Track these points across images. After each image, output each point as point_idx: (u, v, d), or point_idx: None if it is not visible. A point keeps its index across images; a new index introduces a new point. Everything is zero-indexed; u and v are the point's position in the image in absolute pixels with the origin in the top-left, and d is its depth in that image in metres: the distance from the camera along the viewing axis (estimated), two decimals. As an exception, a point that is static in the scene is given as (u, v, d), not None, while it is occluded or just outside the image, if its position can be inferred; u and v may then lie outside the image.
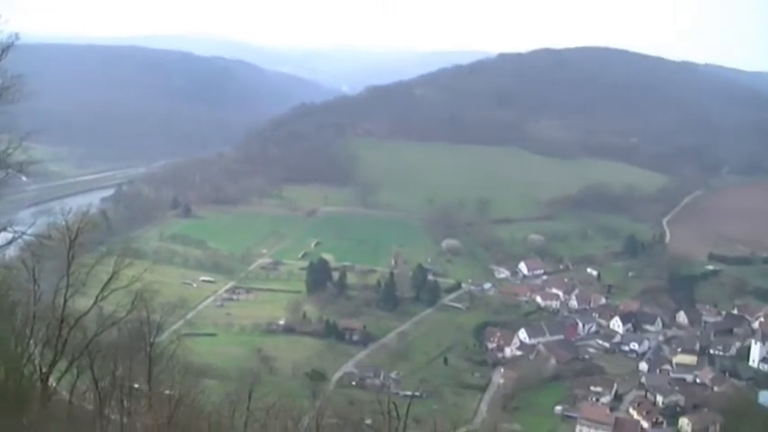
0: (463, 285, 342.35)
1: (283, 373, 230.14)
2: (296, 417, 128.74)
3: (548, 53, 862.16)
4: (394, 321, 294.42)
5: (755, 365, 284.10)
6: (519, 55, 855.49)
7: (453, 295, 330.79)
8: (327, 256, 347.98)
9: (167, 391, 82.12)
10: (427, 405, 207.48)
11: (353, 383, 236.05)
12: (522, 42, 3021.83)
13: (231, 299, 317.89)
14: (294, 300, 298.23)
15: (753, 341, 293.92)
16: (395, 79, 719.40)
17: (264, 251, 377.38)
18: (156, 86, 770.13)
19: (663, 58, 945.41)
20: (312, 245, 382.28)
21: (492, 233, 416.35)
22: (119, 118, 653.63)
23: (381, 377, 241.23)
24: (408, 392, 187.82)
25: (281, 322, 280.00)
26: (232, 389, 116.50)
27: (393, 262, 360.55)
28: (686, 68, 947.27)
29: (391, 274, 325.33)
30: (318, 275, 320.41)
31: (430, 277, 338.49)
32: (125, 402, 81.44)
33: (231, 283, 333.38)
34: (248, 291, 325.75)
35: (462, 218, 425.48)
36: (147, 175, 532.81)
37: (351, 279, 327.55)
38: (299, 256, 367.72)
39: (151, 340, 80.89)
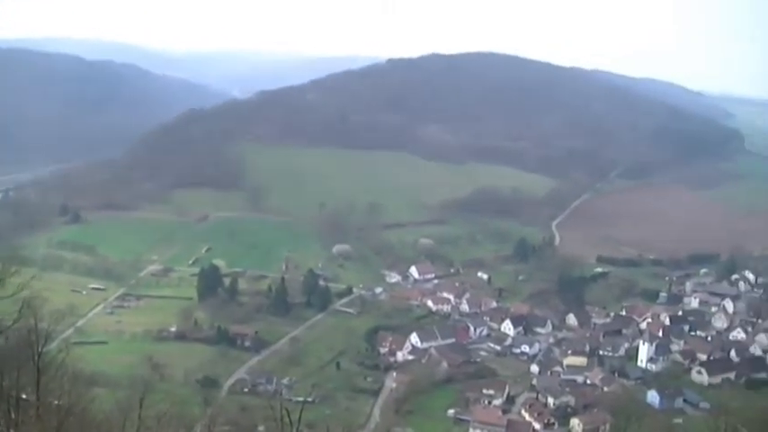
0: (354, 290, 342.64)
1: (175, 381, 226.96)
2: (188, 424, 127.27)
3: (437, 58, 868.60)
4: (286, 327, 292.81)
5: (643, 365, 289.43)
6: (409, 60, 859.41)
7: (345, 300, 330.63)
8: (218, 262, 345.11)
9: (56, 401, 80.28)
10: (320, 410, 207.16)
11: (246, 390, 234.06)
12: (411, 47, 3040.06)
13: (122, 306, 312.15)
14: (185, 306, 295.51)
15: (641, 341, 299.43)
16: (285, 84, 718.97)
17: (155, 257, 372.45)
18: (45, 91, 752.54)
19: (551, 64, 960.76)
20: (203, 251, 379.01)
21: (383, 238, 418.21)
22: (4, 122, 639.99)
23: (274, 383, 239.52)
24: (301, 398, 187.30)
25: (173, 329, 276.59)
26: (123, 397, 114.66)
27: (284, 267, 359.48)
28: (575, 74, 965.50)
29: (282, 279, 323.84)
30: (209, 281, 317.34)
31: (321, 282, 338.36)
32: (12, 413, 79.28)
33: (121, 290, 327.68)
34: (139, 298, 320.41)
35: (353, 223, 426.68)
36: (34, 180, 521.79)
37: (242, 285, 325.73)
38: (190, 262, 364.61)
39: (39, 349, 78.81)
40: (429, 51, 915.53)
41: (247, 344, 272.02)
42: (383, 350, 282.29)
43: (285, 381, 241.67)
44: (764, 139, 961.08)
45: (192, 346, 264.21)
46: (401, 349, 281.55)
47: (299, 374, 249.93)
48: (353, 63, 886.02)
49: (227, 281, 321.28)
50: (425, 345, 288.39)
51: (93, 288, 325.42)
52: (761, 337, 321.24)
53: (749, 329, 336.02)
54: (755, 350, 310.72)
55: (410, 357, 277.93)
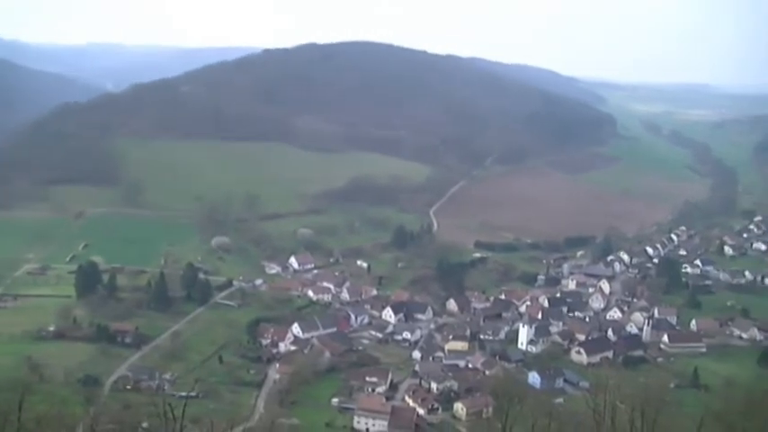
0: (235, 282, 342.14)
1: (55, 381, 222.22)
2: (70, 425, 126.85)
3: (313, 48, 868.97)
4: (167, 322, 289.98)
5: (524, 348, 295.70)
6: (284, 50, 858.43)
7: (225, 293, 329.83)
8: (97, 259, 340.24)
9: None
10: (204, 405, 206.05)
11: (128, 387, 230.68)
12: (287, 37, 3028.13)
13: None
14: (64, 305, 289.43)
15: (520, 325, 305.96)
16: (160, 76, 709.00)
17: (31, 256, 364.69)
18: None
19: (427, 52, 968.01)
20: (80, 247, 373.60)
21: (261, 229, 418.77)
22: None
23: (156, 379, 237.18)
24: (184, 393, 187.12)
25: (51, 328, 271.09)
26: (1, 400, 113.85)
27: (163, 262, 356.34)
28: (450, 62, 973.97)
29: (162, 274, 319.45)
30: (88, 279, 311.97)
31: (201, 276, 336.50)
32: None
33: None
34: (15, 298, 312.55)
35: (232, 215, 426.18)
36: None
37: (121, 281, 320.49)
38: (68, 259, 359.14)
39: None
40: (304, 41, 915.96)
41: (128, 340, 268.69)
42: (265, 342, 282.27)
43: (168, 376, 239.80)
44: (636, 123, 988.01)
45: (72, 344, 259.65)
46: (283, 340, 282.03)
47: (181, 369, 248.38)
48: (228, 54, 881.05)
49: (105, 277, 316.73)
50: (307, 335, 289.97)
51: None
52: (636, 316, 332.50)
53: (625, 309, 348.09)
54: (631, 329, 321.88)
55: (292, 348, 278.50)
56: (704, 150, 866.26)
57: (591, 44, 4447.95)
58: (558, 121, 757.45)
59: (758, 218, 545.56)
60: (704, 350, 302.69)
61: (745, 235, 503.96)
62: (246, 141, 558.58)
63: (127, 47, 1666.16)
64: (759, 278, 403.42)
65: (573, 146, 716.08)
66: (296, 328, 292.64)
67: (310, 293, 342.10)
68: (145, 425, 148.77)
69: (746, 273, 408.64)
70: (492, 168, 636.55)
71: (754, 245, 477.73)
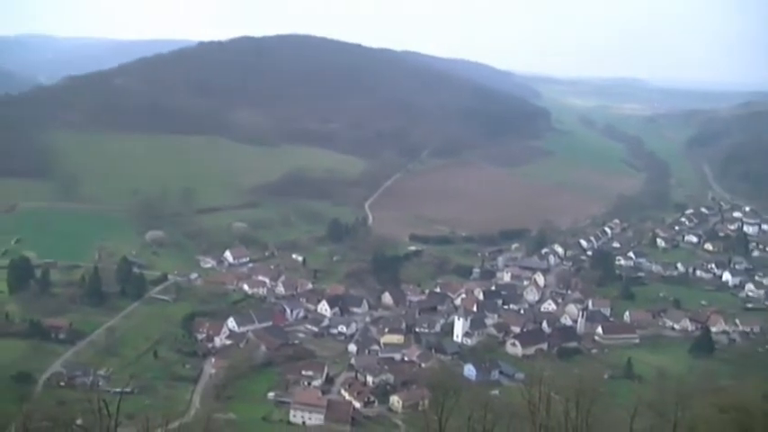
0: (170, 277, 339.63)
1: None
2: (3, 422, 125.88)
3: (248, 41, 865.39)
4: (101, 317, 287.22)
5: (459, 340, 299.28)
6: (219, 43, 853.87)
7: (160, 287, 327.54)
8: (29, 254, 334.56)
9: None
10: (139, 400, 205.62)
11: (62, 383, 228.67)
12: (222, 30, 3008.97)
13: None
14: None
15: (455, 317, 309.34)
16: (94, 69, 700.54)
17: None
18: None
19: (362, 46, 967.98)
20: (12, 242, 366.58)
21: (197, 223, 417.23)
22: None
23: (91, 375, 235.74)
24: (119, 389, 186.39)
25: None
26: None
27: (97, 256, 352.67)
28: (385, 55, 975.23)
29: (96, 268, 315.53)
30: (20, 274, 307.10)
31: (135, 270, 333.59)
32: None
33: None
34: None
35: (166, 208, 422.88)
36: None
37: (54, 276, 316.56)
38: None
39: None
40: (239, 34, 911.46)
41: (62, 336, 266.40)
42: (201, 336, 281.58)
43: (102, 372, 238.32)
44: (570, 117, 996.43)
45: (4, 341, 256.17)
46: (219, 334, 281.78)
47: (116, 365, 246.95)
48: (163, 47, 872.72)
49: (38, 272, 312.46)
50: (243, 329, 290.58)
51: None
52: (570, 307, 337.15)
53: (559, 301, 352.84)
54: (566, 320, 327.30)
55: (228, 342, 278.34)
56: (637, 144, 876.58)
57: (527, 39, 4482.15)
58: (493, 114, 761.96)
59: (690, 211, 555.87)
60: (637, 341, 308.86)
61: (677, 228, 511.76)
62: (182, 134, 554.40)
63: (58, 39, 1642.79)
64: (691, 270, 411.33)
65: (508, 139, 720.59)
66: (231, 323, 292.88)
67: (246, 287, 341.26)
68: (79, 422, 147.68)
69: (678, 265, 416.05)
70: (427, 162, 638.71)
71: (686, 237, 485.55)
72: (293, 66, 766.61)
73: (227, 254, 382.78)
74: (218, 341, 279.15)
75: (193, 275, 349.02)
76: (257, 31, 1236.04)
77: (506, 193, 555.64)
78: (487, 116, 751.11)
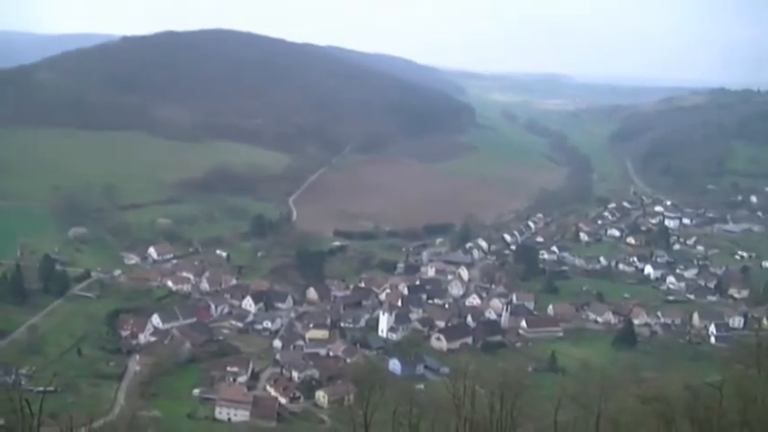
0: (93, 274, 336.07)
1: None
2: None
3: (171, 36, 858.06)
4: (23, 315, 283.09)
5: (384, 335, 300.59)
6: (143, 38, 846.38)
7: (83, 284, 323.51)
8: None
9: None
10: (63, 399, 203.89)
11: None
12: (146, 25, 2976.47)
13: None
14: None
15: (380, 312, 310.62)
16: (15, 63, 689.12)
17: None
18: None
19: (285, 41, 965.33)
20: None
21: (120, 219, 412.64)
22: None
23: (13, 374, 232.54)
24: (42, 388, 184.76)
25: None
26: None
27: (19, 253, 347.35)
28: (308, 50, 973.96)
29: (17, 266, 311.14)
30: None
31: (58, 267, 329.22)
32: None
33: None
34: None
35: (89, 205, 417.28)
36: None
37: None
38: None
39: None
40: (163, 29, 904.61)
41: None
42: (125, 333, 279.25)
43: (24, 371, 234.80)
44: (494, 112, 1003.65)
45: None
46: (143, 331, 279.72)
47: (38, 363, 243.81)
48: (86, 41, 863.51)
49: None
50: (167, 325, 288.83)
51: None
52: (494, 302, 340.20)
53: (484, 295, 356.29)
54: (490, 314, 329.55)
55: (152, 339, 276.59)
56: (560, 139, 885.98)
57: (450, 34, 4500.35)
58: (416, 110, 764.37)
59: (612, 205, 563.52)
60: (561, 334, 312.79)
61: (599, 222, 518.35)
62: (106, 130, 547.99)
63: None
64: (613, 263, 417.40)
65: (431, 135, 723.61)
66: (156, 319, 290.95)
67: (170, 284, 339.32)
68: (1, 422, 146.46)
69: (601, 258, 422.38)
70: (351, 157, 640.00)
71: (609, 231, 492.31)
72: (217, 61, 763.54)
73: (151, 250, 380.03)
74: (142, 338, 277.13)
75: (117, 272, 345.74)
76: (181, 26, 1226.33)
77: (430, 188, 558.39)
78: (411, 111, 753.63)
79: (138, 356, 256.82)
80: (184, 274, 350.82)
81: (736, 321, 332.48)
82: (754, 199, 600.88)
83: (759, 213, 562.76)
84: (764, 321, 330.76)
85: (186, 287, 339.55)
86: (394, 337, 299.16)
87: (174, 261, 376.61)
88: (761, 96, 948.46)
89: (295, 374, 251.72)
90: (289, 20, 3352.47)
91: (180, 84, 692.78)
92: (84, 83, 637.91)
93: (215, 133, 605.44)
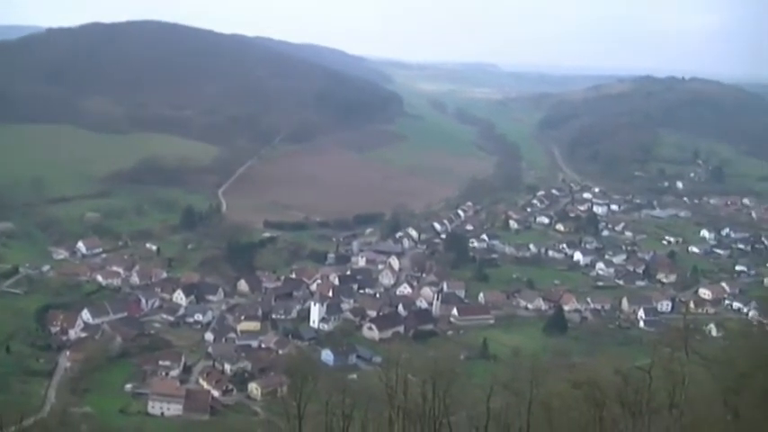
0: (21, 269, 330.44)
1: None
2: None
3: (98, 27, 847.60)
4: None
5: (316, 326, 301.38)
6: (69, 29, 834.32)
7: (11, 280, 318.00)
8: None
9: None
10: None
11: None
12: (71, 16, 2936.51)
13: None
14: None
15: (312, 303, 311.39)
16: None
17: None
18: None
19: (214, 32, 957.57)
20: None
21: (48, 213, 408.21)
22: None
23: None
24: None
25: None
26: None
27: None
28: (237, 41, 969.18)
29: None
30: None
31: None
32: None
33: None
34: None
35: (16, 199, 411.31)
36: None
37: None
38: None
39: None
40: (89, 20, 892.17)
41: None
42: (54, 329, 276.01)
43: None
44: (423, 102, 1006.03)
45: None
46: (73, 327, 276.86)
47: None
48: (9, 33, 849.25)
49: None
50: (98, 320, 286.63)
51: None
52: (425, 290, 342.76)
53: (414, 284, 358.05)
54: (421, 303, 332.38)
55: (83, 335, 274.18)
56: (489, 127, 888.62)
57: (378, 23, 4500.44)
58: (345, 100, 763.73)
59: (541, 192, 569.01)
60: (492, 322, 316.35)
61: (528, 209, 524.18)
62: (32, 123, 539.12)
63: None
64: (543, 251, 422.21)
65: (361, 125, 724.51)
66: (86, 314, 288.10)
67: (99, 278, 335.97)
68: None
69: (531, 246, 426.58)
70: (281, 148, 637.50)
71: (538, 219, 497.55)
72: (145, 52, 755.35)
73: (80, 244, 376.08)
74: (72, 334, 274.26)
75: (45, 267, 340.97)
76: (108, 18, 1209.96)
77: (360, 178, 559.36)
78: (340, 102, 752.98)
79: (68, 352, 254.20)
80: (114, 268, 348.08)
81: (664, 305, 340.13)
82: (680, 185, 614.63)
83: (685, 199, 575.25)
84: (691, 305, 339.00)
85: (116, 281, 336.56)
86: (326, 327, 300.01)
87: (104, 255, 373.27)
88: (686, 84, 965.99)
89: (227, 367, 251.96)
90: (217, 11, 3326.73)
91: (108, 76, 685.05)
92: (9, 75, 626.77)
93: (144, 125, 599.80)
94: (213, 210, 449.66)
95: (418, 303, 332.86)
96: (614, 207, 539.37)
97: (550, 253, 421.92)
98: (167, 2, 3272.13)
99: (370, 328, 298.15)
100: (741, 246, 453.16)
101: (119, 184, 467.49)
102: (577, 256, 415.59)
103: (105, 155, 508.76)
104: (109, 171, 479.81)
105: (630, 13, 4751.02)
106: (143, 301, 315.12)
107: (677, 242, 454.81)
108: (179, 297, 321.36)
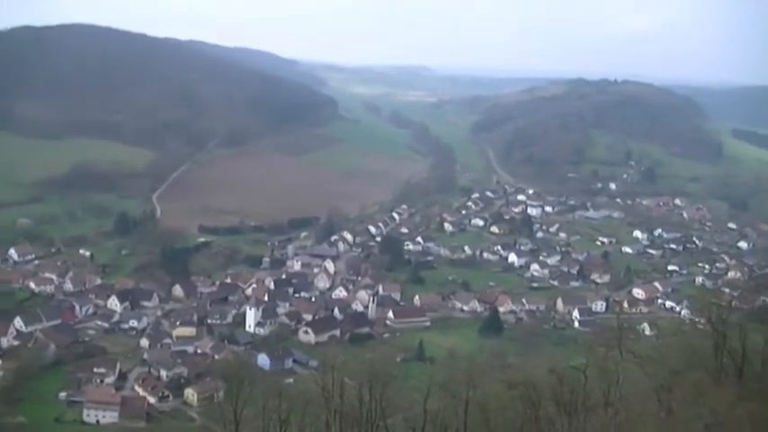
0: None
1: None
2: None
3: (28, 31, 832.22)
4: None
5: (252, 330, 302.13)
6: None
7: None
8: None
9: None
10: None
11: None
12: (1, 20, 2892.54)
13: None
14: None
15: (247, 307, 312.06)
16: None
17: None
18: None
19: (147, 35, 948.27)
20: None
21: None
22: None
23: None
24: None
25: None
26: None
27: None
28: (169, 45, 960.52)
29: None
30: None
31: None
32: None
33: None
34: None
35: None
36: None
37: None
38: None
39: None
40: (18, 23, 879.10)
41: None
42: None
43: None
44: (357, 105, 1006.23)
45: None
46: (5, 335, 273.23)
47: None
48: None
49: None
50: (30, 328, 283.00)
51: None
52: (361, 293, 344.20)
53: (350, 287, 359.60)
54: (357, 306, 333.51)
55: (15, 343, 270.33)
56: (423, 130, 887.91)
57: (311, 27, 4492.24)
58: (279, 104, 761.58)
59: (475, 195, 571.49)
60: (428, 324, 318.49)
61: (463, 212, 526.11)
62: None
63: None
64: (478, 252, 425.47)
65: (295, 128, 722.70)
66: (18, 322, 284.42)
67: (32, 285, 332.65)
68: None
69: (466, 248, 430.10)
70: (215, 152, 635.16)
71: (473, 221, 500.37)
72: (77, 56, 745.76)
73: (12, 251, 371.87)
74: (4, 342, 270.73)
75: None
76: (38, 21, 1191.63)
77: (295, 182, 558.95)
78: (274, 105, 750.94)
79: (0, 361, 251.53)
80: (47, 274, 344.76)
81: (599, 305, 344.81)
82: (612, 186, 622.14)
83: (618, 200, 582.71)
84: (625, 304, 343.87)
85: (49, 288, 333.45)
86: (261, 331, 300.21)
87: (36, 262, 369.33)
88: (618, 86, 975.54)
89: (163, 373, 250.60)
90: (150, 15, 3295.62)
91: (38, 80, 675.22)
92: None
93: (76, 130, 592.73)
94: (147, 215, 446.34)
95: (354, 307, 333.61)
96: (548, 209, 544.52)
97: (485, 255, 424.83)
98: (100, 5, 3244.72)
99: (306, 332, 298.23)
100: (673, 246, 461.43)
101: (51, 189, 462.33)
102: (512, 257, 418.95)
103: (37, 160, 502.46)
104: (41, 177, 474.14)
105: (564, 15, 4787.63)
106: (77, 307, 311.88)
107: (611, 243, 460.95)
108: (113, 303, 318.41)
